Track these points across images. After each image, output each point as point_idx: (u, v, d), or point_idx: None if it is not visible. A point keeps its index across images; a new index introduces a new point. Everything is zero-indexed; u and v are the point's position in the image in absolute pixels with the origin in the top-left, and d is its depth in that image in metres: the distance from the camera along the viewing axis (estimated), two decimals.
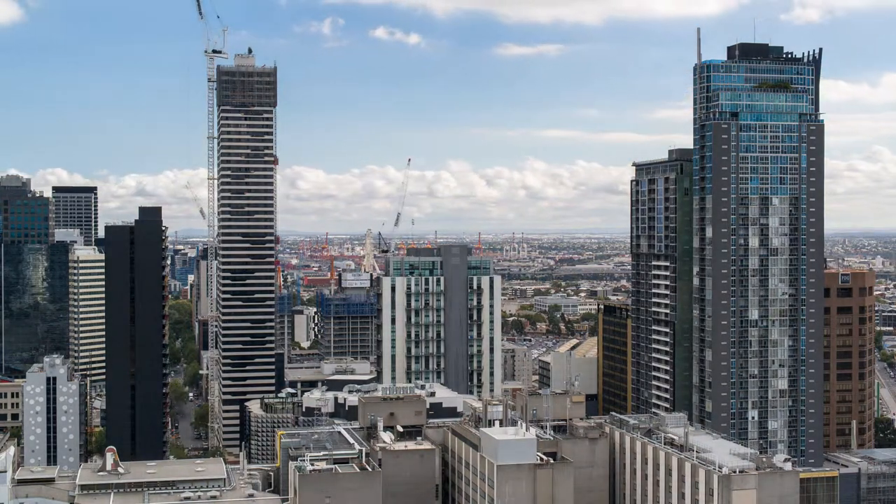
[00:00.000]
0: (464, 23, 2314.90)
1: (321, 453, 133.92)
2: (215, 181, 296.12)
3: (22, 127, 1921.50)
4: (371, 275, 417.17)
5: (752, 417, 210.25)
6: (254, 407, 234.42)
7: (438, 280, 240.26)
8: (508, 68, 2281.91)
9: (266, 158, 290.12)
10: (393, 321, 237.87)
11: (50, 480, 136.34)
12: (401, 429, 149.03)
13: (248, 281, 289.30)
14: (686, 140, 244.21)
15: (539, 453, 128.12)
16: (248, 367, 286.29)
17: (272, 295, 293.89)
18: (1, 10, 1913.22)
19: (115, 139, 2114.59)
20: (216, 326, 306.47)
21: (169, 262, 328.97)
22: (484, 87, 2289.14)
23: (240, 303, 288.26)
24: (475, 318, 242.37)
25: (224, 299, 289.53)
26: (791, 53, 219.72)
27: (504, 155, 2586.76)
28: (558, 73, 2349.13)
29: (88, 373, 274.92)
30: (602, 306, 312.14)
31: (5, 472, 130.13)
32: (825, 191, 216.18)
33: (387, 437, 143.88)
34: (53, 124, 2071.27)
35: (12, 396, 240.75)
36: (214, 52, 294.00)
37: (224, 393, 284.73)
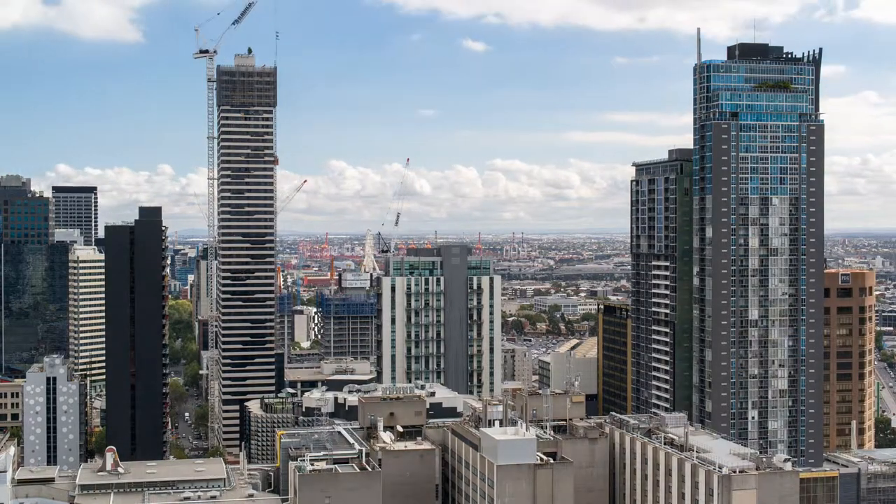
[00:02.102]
0: (538, 35, 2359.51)
1: (321, 453, 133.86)
2: (215, 181, 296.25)
3: (108, 132, 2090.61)
4: (371, 275, 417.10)
5: (752, 417, 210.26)
6: (254, 407, 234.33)
7: (438, 280, 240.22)
8: (575, 75, 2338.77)
9: (266, 158, 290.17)
10: (393, 321, 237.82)
11: (50, 480, 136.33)
12: (401, 429, 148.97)
13: (248, 281, 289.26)
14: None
15: (539, 453, 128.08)
16: (248, 367, 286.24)
17: (272, 295, 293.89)
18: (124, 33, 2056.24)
19: (180, 139, 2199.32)
20: (216, 326, 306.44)
21: (169, 262, 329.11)
22: (547, 92, 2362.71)
23: (240, 303, 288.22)
24: (475, 318, 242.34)
25: (224, 299, 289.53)
26: (791, 53, 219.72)
27: (548, 157, 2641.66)
28: (620, 80, 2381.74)
29: (88, 373, 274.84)
30: (602, 306, 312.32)
31: (5, 472, 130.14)
32: (828, 190, 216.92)
33: (387, 437, 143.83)
34: (136, 129, 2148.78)
35: (12, 396, 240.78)
36: (202, 51, 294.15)
37: (224, 393, 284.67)
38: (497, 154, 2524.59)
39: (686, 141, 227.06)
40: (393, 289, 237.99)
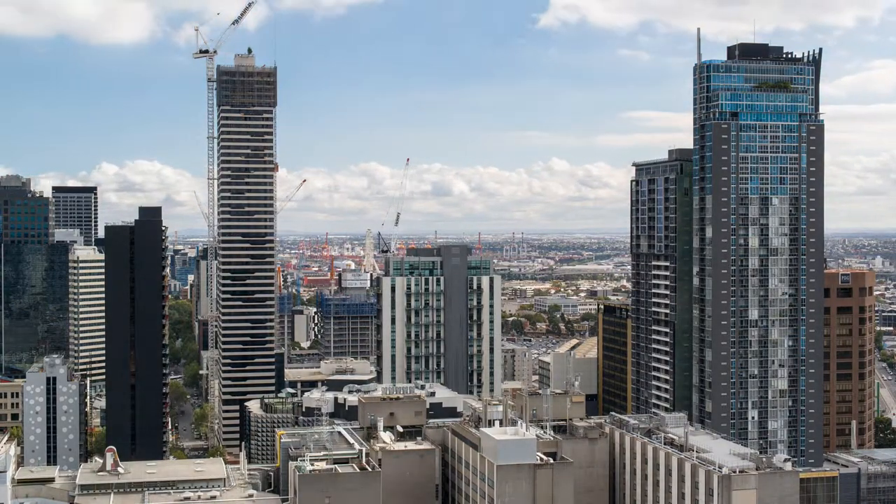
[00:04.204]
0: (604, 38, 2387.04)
1: (321, 453, 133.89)
2: (215, 181, 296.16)
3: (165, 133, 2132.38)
4: (371, 275, 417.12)
5: (752, 417, 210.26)
6: (254, 407, 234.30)
7: (438, 280, 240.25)
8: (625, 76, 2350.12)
9: (266, 159, 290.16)
10: (393, 321, 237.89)
11: (50, 480, 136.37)
12: (401, 429, 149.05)
13: (248, 281, 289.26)
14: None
15: (539, 453, 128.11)
16: (248, 367, 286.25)
17: (272, 295, 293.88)
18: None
19: None
20: (216, 326, 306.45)
21: (169, 262, 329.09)
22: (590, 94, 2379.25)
23: (240, 303, 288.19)
24: (475, 318, 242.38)
25: (224, 299, 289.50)
26: (791, 53, 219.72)
27: (589, 158, 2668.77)
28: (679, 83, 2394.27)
29: (88, 373, 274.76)
30: (602, 306, 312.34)
31: (5, 472, 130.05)
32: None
33: (387, 437, 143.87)
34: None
35: (12, 396, 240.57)
36: (201, 51, 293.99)
37: (224, 393, 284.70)
38: (538, 155, 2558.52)
39: (686, 141, 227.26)
40: (393, 289, 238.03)
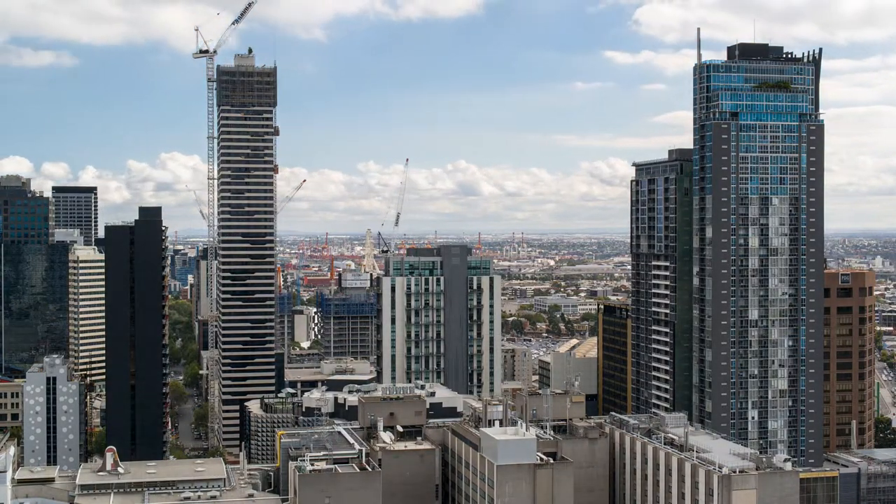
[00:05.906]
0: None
1: (321, 453, 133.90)
2: (215, 181, 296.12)
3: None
4: (371, 275, 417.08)
5: (752, 417, 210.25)
6: (254, 407, 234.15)
7: (438, 280, 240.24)
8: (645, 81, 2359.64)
9: (266, 159, 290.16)
10: (393, 321, 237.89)
11: (50, 480, 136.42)
12: (401, 429, 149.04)
13: (248, 281, 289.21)
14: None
15: (539, 453, 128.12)
16: (248, 367, 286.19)
17: (272, 295, 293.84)
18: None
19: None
20: (216, 326, 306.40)
21: (169, 262, 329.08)
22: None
23: (240, 303, 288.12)
24: (475, 318, 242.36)
25: (224, 299, 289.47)
26: (791, 53, 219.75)
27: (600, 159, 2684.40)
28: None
29: (88, 373, 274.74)
30: (602, 306, 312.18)
31: (5, 472, 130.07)
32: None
33: (387, 437, 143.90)
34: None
35: (12, 396, 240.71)
36: (202, 51, 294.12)
37: (224, 393, 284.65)
38: (568, 156, 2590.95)
39: (686, 141, 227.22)
40: (393, 289, 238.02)
